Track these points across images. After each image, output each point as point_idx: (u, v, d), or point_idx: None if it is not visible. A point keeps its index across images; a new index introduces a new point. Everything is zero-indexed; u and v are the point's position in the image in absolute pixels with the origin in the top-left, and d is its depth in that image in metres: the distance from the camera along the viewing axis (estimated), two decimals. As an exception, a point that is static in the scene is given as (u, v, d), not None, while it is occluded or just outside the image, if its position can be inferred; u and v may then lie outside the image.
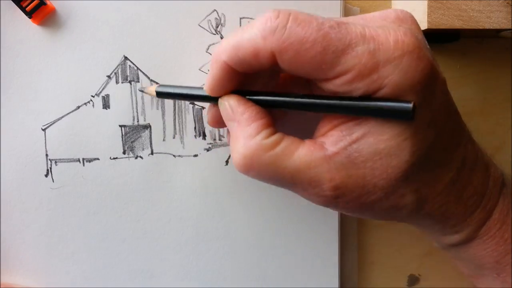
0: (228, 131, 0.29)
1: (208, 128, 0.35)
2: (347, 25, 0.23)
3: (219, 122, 0.29)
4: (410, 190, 0.25)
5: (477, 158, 0.28)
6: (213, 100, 0.28)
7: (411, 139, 0.24)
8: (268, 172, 0.25)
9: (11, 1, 0.32)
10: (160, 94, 0.30)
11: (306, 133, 0.27)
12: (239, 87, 0.27)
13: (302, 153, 0.25)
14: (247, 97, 0.27)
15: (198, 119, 0.35)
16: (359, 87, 0.23)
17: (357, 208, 0.26)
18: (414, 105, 0.22)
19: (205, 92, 0.27)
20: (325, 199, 0.25)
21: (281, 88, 0.30)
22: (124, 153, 0.34)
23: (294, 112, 0.27)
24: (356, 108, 0.24)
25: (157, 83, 0.34)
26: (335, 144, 0.24)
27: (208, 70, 0.27)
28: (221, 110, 0.27)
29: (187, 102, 0.34)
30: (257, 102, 0.27)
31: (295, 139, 0.26)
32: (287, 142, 0.25)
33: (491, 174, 0.29)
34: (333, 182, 0.24)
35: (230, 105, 0.27)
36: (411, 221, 0.29)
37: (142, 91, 0.33)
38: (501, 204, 0.29)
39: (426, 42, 0.25)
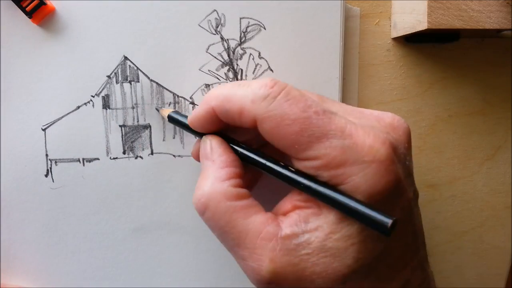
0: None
1: (208, 128, 0.35)
2: (332, 115, 0.24)
3: None
4: None
5: (421, 285, 0.27)
6: (200, 135, 0.29)
7: (358, 245, 0.23)
8: (220, 221, 0.25)
9: (11, 1, 0.32)
10: (170, 119, 0.32)
11: (271, 205, 0.27)
12: (223, 130, 0.28)
13: (258, 220, 0.25)
14: (231, 144, 0.28)
15: (198, 119, 0.35)
16: (323, 176, 0.24)
17: None
18: (394, 222, 0.22)
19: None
20: (259, 279, 0.25)
21: (267, 149, 0.29)
22: (124, 153, 0.34)
23: (268, 179, 0.28)
24: (323, 195, 0.23)
25: (157, 83, 0.34)
26: (289, 227, 0.24)
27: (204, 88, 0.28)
28: (201, 146, 0.28)
29: (187, 102, 0.34)
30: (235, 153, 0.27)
31: (259, 205, 0.26)
32: (250, 202, 0.25)
33: None
34: (273, 264, 0.24)
35: (211, 143, 0.28)
36: None
37: (157, 109, 0.34)
38: None
39: (407, 157, 0.25)
